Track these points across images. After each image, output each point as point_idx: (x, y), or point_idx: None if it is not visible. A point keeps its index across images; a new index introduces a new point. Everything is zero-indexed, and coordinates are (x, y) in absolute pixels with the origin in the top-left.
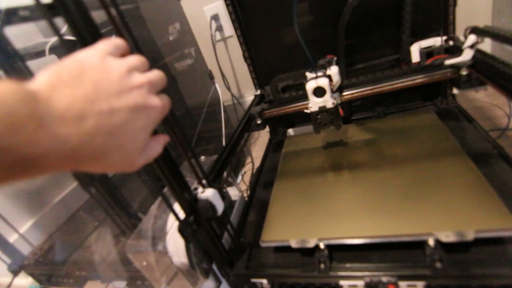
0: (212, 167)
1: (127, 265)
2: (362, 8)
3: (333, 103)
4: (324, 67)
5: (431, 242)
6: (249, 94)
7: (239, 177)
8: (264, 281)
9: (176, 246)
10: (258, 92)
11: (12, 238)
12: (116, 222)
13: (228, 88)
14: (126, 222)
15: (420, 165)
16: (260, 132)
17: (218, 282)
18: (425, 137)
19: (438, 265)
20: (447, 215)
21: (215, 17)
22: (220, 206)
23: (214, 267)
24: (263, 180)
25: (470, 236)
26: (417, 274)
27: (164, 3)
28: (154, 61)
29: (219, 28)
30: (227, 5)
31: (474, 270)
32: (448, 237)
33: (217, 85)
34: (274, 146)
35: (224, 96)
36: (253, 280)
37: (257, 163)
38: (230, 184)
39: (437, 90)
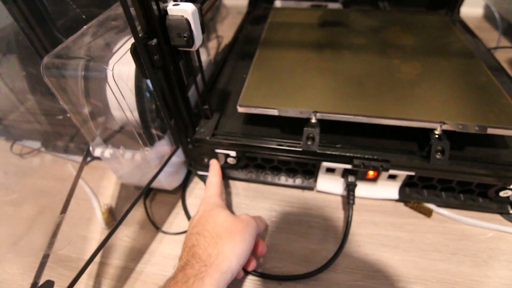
0: None
1: (43, 115)
2: None
3: None
4: None
5: (437, 131)
6: None
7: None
8: (233, 153)
9: (123, 81)
10: None
11: None
12: (31, 41)
13: None
14: (45, 40)
15: (432, 58)
16: (228, 10)
17: (174, 146)
18: (436, 35)
19: (439, 156)
20: (460, 108)
21: None
22: (199, 35)
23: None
24: (238, 51)
25: (484, 130)
26: (414, 164)
27: None
28: None
29: None
30: None
31: (468, 168)
32: (461, 128)
33: None
34: (253, 20)
35: None
36: (219, 150)
37: (226, 40)
38: None
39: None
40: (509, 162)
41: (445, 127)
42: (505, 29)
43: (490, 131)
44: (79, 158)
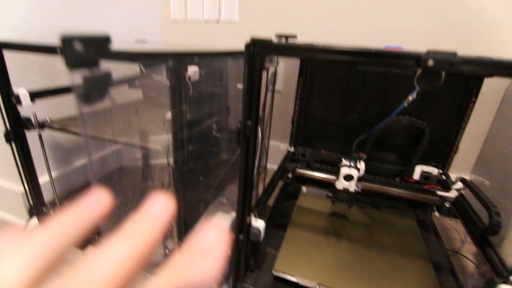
0: (258, 201)
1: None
2: (391, 128)
3: (355, 189)
4: (356, 160)
5: None
6: (274, 138)
7: None
8: None
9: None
10: (292, 149)
11: None
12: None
13: (265, 137)
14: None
15: (396, 256)
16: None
17: (235, 285)
18: (404, 237)
19: None
20: None
21: (274, 74)
22: (262, 236)
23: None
24: (274, 221)
25: None
26: None
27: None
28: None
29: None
30: (299, 81)
31: None
32: None
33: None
34: (286, 194)
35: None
36: None
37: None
38: None
39: (421, 204)
40: None
41: None
42: None
43: None
44: None
